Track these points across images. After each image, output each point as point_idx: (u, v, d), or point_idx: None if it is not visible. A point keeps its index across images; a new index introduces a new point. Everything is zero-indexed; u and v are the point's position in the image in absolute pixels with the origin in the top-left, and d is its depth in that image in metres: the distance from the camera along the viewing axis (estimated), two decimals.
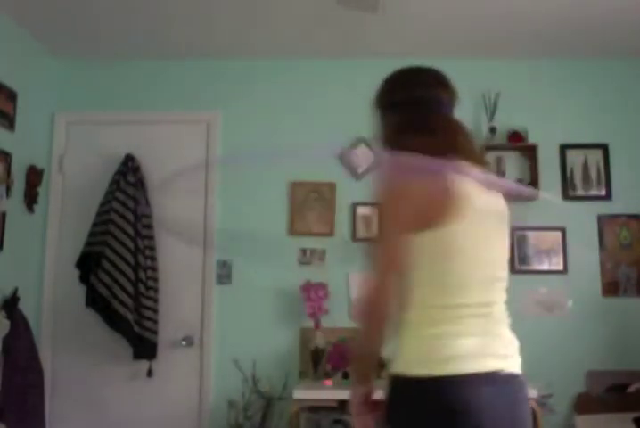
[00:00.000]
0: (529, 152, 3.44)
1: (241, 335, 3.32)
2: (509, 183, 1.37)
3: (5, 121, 3.06)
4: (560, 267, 3.37)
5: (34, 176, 3.29)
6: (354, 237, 3.39)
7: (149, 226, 3.32)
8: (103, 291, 3.09)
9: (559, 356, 3.23)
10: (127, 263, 3.15)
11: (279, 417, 3.20)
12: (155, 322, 3.21)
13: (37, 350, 3.06)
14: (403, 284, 1.34)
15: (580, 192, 3.44)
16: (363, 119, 3.48)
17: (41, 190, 3.36)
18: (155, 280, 3.27)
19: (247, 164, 3.49)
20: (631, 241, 3.39)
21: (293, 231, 3.41)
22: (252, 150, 3.50)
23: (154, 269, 3.29)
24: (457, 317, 1.31)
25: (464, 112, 3.49)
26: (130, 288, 3.12)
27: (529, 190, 1.30)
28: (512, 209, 1.47)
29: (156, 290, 3.26)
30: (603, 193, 3.44)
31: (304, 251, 3.38)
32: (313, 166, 3.46)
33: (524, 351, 1.42)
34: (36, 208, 3.34)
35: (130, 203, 3.24)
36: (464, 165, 1.40)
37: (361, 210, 3.41)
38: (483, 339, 1.31)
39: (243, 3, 2.97)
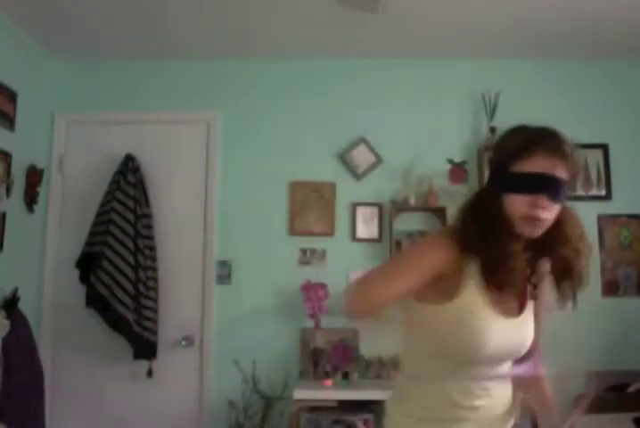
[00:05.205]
0: None
1: (241, 335, 3.32)
2: None
3: (5, 121, 3.06)
4: None
5: (34, 176, 3.29)
6: (354, 237, 3.40)
7: (149, 226, 3.32)
8: (103, 291, 3.09)
9: (559, 356, 3.22)
10: (127, 263, 3.15)
11: (279, 417, 3.20)
12: (155, 322, 3.21)
13: (37, 350, 3.05)
14: None
15: (580, 192, 3.44)
16: (363, 119, 3.53)
17: (41, 190, 3.36)
18: (155, 280, 3.27)
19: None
20: (631, 241, 3.38)
21: (293, 231, 3.41)
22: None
23: (154, 269, 3.28)
24: None
25: (465, 112, 3.55)
26: (130, 288, 3.12)
27: None
28: None
29: (156, 290, 3.26)
30: (603, 193, 3.44)
31: (304, 250, 3.38)
32: (313, 165, 3.47)
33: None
34: (36, 208, 3.34)
35: (130, 203, 3.24)
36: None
37: (361, 210, 3.41)
38: None
39: (243, 3, 2.97)
